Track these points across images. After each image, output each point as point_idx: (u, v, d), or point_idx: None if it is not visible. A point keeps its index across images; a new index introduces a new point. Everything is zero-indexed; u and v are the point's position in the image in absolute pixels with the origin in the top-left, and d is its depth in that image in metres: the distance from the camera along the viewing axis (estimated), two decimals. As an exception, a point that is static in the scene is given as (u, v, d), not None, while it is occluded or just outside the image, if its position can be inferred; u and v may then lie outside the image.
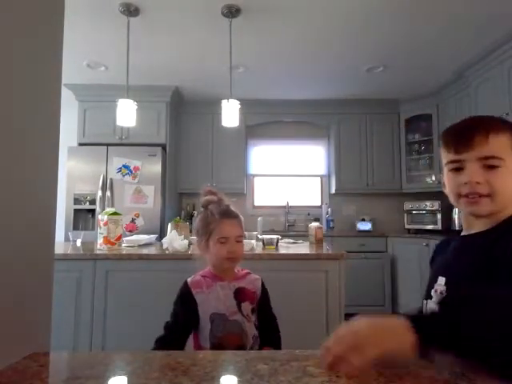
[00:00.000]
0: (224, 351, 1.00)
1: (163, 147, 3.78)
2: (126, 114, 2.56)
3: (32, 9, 0.71)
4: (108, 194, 3.56)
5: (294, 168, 4.62)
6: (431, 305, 0.81)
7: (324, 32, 2.74)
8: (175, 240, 2.14)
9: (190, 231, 2.50)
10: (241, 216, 1.23)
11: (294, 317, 1.82)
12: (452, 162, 0.80)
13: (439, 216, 3.73)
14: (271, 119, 4.41)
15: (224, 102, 2.60)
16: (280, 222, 4.51)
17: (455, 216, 3.62)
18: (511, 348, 0.50)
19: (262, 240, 2.32)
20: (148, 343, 1.11)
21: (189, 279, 1.20)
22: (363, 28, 2.68)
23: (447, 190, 0.84)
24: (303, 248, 2.35)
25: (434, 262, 0.95)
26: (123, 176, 3.60)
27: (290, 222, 4.51)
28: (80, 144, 3.78)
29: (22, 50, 0.69)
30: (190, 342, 1.17)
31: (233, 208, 1.23)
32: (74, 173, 3.58)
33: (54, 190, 0.79)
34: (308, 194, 4.65)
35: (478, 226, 0.79)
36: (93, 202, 3.57)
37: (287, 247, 2.36)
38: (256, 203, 4.61)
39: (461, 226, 0.96)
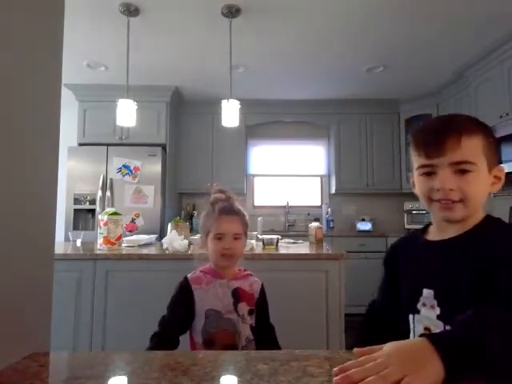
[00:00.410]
0: (224, 351, 1.00)
1: (163, 147, 3.78)
2: (126, 114, 2.56)
3: (32, 9, 0.71)
4: (108, 193, 3.56)
5: (294, 168, 4.61)
6: (425, 322, 0.77)
7: (324, 32, 2.74)
8: (175, 240, 2.14)
9: (190, 231, 2.51)
10: (244, 214, 1.22)
11: (294, 317, 1.82)
12: (423, 166, 0.77)
13: (439, 216, 3.73)
14: (271, 119, 4.41)
15: (224, 102, 2.60)
16: (280, 221, 4.51)
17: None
18: None
19: (262, 240, 2.32)
20: (148, 343, 1.11)
21: (189, 275, 1.20)
22: (363, 28, 2.68)
23: (418, 193, 0.82)
24: (303, 248, 2.35)
25: (397, 265, 0.90)
26: (123, 176, 3.60)
27: (290, 221, 4.51)
28: (80, 144, 3.78)
29: (22, 50, 0.68)
30: (185, 336, 1.17)
31: (238, 205, 1.22)
32: (74, 173, 3.58)
33: (54, 190, 0.79)
34: (308, 193, 4.65)
35: (453, 230, 0.78)
36: (93, 201, 3.57)
37: (287, 247, 2.36)
38: (256, 203, 4.61)
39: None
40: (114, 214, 2.21)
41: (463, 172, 0.73)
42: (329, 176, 4.59)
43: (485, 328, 0.52)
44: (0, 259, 0.62)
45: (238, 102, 2.62)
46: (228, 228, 1.16)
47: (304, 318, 1.92)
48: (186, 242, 2.16)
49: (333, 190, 4.42)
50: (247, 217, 1.24)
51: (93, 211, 3.58)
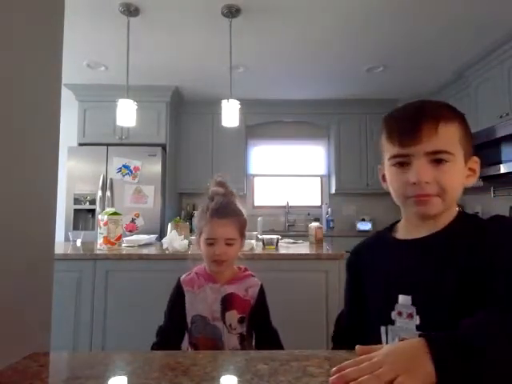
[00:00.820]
0: (224, 351, 1.00)
1: (163, 147, 3.78)
2: (126, 114, 2.56)
3: (32, 9, 0.71)
4: (108, 193, 3.56)
5: (294, 168, 4.62)
6: (402, 334, 0.69)
7: (324, 32, 2.74)
8: (175, 240, 2.14)
9: (190, 231, 2.50)
10: (241, 213, 1.13)
11: (294, 317, 1.82)
12: (396, 156, 0.71)
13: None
14: (271, 119, 4.41)
15: (224, 102, 2.60)
16: (280, 222, 4.51)
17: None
18: None
19: (262, 240, 2.32)
20: (148, 343, 1.11)
21: (182, 276, 1.15)
22: (363, 28, 2.68)
23: (390, 189, 0.75)
24: (303, 248, 2.34)
25: (362, 270, 0.82)
26: (123, 176, 3.60)
27: (290, 221, 4.51)
28: (80, 144, 3.78)
29: (22, 50, 0.68)
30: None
31: (236, 203, 1.13)
32: (74, 173, 3.58)
33: (54, 190, 0.79)
34: (308, 194, 4.65)
35: (426, 228, 0.72)
36: (93, 201, 3.57)
37: (287, 247, 2.36)
38: (256, 203, 4.61)
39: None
40: (114, 213, 2.21)
41: (439, 162, 0.67)
42: (329, 176, 4.59)
43: (486, 335, 0.50)
44: (0, 259, 0.62)
45: (238, 102, 2.62)
46: (220, 233, 1.07)
47: (304, 318, 1.92)
48: (185, 241, 2.16)
49: (333, 190, 4.42)
50: (245, 215, 1.15)
51: (93, 211, 3.58)
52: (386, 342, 0.72)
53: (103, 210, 3.24)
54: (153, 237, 2.78)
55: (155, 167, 3.65)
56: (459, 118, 0.71)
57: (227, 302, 1.09)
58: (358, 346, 0.56)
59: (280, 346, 1.12)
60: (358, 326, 0.80)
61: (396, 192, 0.73)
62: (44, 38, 0.76)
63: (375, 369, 0.48)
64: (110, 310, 2.02)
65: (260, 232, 2.85)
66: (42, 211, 0.75)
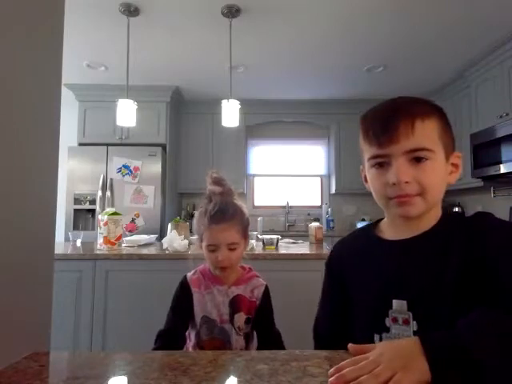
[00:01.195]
0: (224, 351, 1.00)
1: (163, 147, 3.78)
2: (126, 113, 2.56)
3: (32, 9, 0.71)
4: (108, 193, 3.56)
5: (294, 168, 4.62)
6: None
7: (324, 32, 2.74)
8: (175, 240, 2.14)
9: (190, 231, 2.50)
10: (242, 213, 1.08)
11: (294, 317, 1.81)
12: (375, 157, 0.69)
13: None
14: (271, 119, 4.41)
15: (224, 102, 2.60)
16: (280, 221, 4.51)
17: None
18: None
19: (262, 240, 2.32)
20: (148, 343, 1.10)
21: (188, 274, 1.12)
22: (363, 28, 2.68)
23: (372, 189, 0.73)
24: (303, 248, 2.34)
25: (345, 272, 0.78)
26: (123, 176, 3.60)
27: (290, 221, 4.51)
28: (80, 144, 3.78)
29: (22, 50, 0.68)
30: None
31: (235, 203, 1.08)
32: (74, 173, 3.58)
33: (54, 190, 0.79)
34: (308, 194, 4.65)
35: (410, 229, 0.70)
36: (93, 202, 3.57)
37: (287, 247, 2.36)
38: (256, 203, 4.61)
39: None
40: (114, 213, 2.21)
41: (419, 160, 0.65)
42: (329, 176, 4.59)
43: (480, 335, 0.50)
44: (0, 259, 0.62)
45: (238, 102, 2.62)
46: (221, 239, 1.02)
47: (304, 318, 1.90)
48: (185, 241, 2.16)
49: (333, 190, 4.42)
50: (247, 214, 1.10)
51: (93, 211, 3.58)
52: None
53: (103, 210, 3.24)
54: (153, 237, 2.78)
55: (155, 167, 3.65)
56: (437, 112, 0.69)
57: (235, 304, 1.08)
58: (350, 345, 0.57)
59: (282, 349, 1.10)
60: (342, 334, 0.73)
61: (377, 193, 0.71)
62: (44, 37, 0.76)
63: (373, 368, 0.48)
64: (109, 310, 2.02)
65: (260, 232, 2.85)
66: (42, 211, 0.75)
